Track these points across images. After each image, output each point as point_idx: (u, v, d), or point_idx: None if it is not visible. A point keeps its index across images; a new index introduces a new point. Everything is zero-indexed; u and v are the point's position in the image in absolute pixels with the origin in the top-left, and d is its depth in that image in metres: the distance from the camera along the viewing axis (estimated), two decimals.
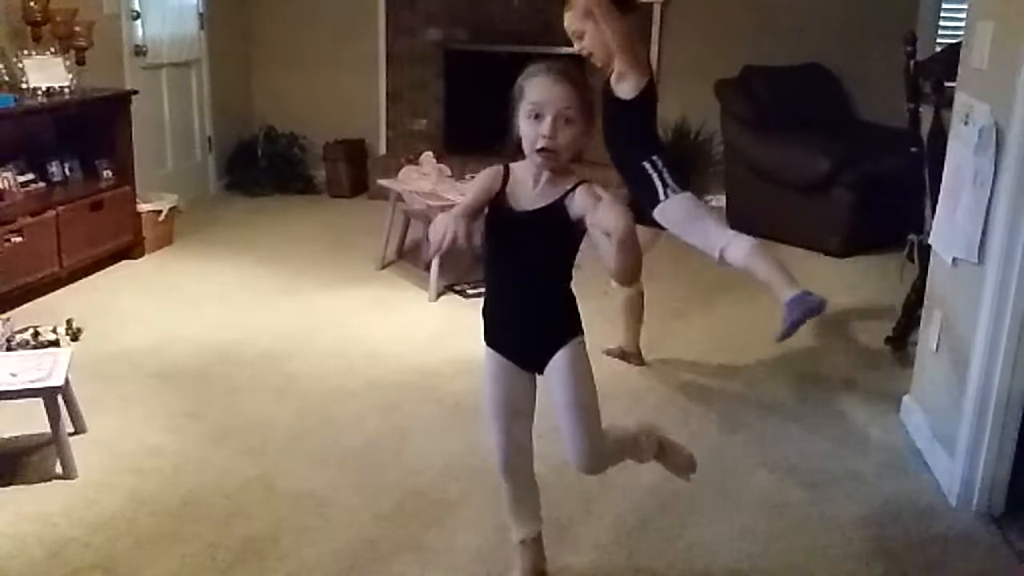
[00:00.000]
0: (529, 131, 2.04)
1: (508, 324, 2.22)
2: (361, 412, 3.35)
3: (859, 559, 2.57)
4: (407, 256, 5.18)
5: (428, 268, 4.66)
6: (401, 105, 6.83)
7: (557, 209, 2.07)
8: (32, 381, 2.83)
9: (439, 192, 4.70)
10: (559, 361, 2.17)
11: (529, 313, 2.19)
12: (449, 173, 5.01)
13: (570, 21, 3.38)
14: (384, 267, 5.04)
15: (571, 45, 3.49)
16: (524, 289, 2.18)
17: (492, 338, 2.25)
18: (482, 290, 4.83)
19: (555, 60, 2.12)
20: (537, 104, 2.02)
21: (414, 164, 5.16)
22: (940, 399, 3.06)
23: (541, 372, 2.22)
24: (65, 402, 2.97)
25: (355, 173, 6.71)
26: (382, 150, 6.87)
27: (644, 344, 3.86)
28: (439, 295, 4.58)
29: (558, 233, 2.10)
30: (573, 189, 2.07)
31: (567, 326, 2.20)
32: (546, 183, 2.09)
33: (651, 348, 3.90)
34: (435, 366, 3.76)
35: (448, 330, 4.16)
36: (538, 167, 2.08)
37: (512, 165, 2.14)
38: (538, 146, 2.03)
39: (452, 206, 4.52)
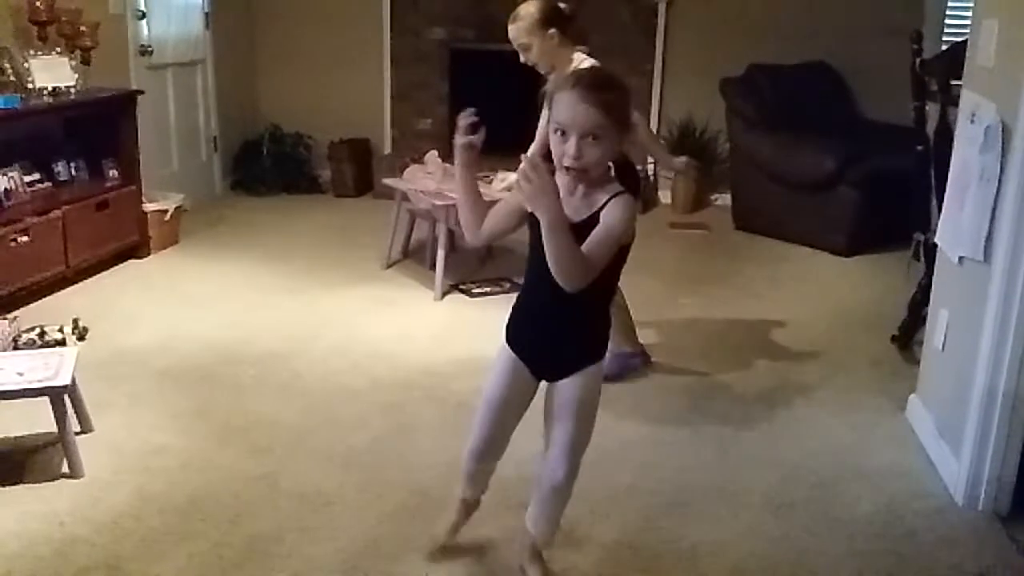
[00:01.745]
0: (555, 147, 2.00)
1: (533, 331, 2.19)
2: (366, 411, 3.35)
3: (864, 559, 2.56)
4: (412, 255, 5.18)
5: (433, 267, 4.66)
6: (406, 104, 6.83)
7: (590, 224, 2.01)
8: (39, 380, 2.84)
9: (444, 191, 4.70)
10: (572, 388, 2.15)
11: (556, 328, 2.14)
12: (454, 172, 5.00)
13: (516, 34, 3.47)
14: (389, 266, 5.05)
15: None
16: (556, 302, 2.06)
17: (513, 338, 2.23)
18: (487, 289, 4.84)
19: (589, 68, 2.05)
20: (561, 123, 1.97)
21: (419, 163, 5.16)
22: (946, 398, 3.05)
23: (550, 381, 2.20)
24: (71, 401, 2.97)
25: (360, 172, 6.72)
26: (387, 149, 6.88)
27: (647, 343, 3.86)
28: (444, 294, 4.59)
29: None
30: (610, 200, 2.01)
31: (591, 349, 2.16)
32: (582, 196, 2.05)
33: (654, 347, 3.90)
34: (440, 365, 3.77)
35: (453, 329, 4.16)
36: (569, 181, 2.04)
37: (556, 174, 2.09)
38: (564, 164, 1.99)
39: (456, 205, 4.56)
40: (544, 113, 3.70)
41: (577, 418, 2.18)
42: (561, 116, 1.98)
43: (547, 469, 2.24)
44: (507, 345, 2.24)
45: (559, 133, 1.99)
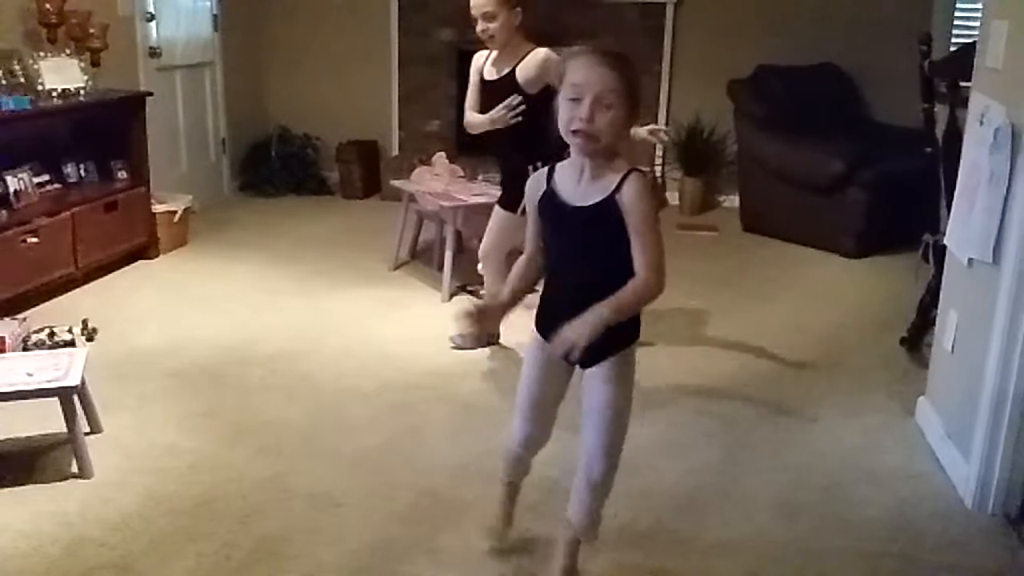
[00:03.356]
0: (566, 113, 1.98)
1: (562, 317, 2.10)
2: (374, 412, 3.36)
3: (874, 561, 2.56)
4: (420, 256, 5.18)
5: (441, 269, 4.67)
6: (413, 106, 6.84)
7: (608, 206, 1.99)
8: (48, 381, 2.85)
9: (451, 192, 4.71)
10: (605, 371, 2.13)
11: (579, 311, 2.05)
12: (461, 174, 5.02)
13: (486, 0, 3.49)
14: (397, 267, 5.05)
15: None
16: (581, 286, 2.07)
17: (542, 326, 2.20)
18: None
19: (600, 43, 2.08)
20: (576, 86, 1.96)
21: (426, 165, 5.17)
22: (955, 400, 3.04)
23: (583, 367, 2.18)
24: (81, 402, 2.98)
25: (368, 174, 6.73)
26: (395, 151, 6.89)
27: (654, 344, 3.86)
28: (452, 295, 4.59)
29: (614, 230, 2.01)
30: (622, 182, 2.00)
31: (621, 332, 2.11)
32: (591, 177, 2.03)
33: (661, 349, 3.89)
34: (448, 366, 3.77)
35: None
36: (576, 153, 2.02)
37: (558, 164, 2.11)
38: (573, 127, 1.97)
39: (464, 206, 4.55)
40: (473, 79, 3.75)
41: (612, 410, 2.16)
42: (577, 78, 1.97)
43: (584, 465, 2.22)
44: (538, 335, 2.22)
45: (572, 99, 1.97)
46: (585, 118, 1.95)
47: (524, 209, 3.55)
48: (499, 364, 3.80)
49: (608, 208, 2.00)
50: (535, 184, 2.15)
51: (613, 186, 2.00)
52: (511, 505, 2.53)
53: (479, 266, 3.92)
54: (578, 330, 1.95)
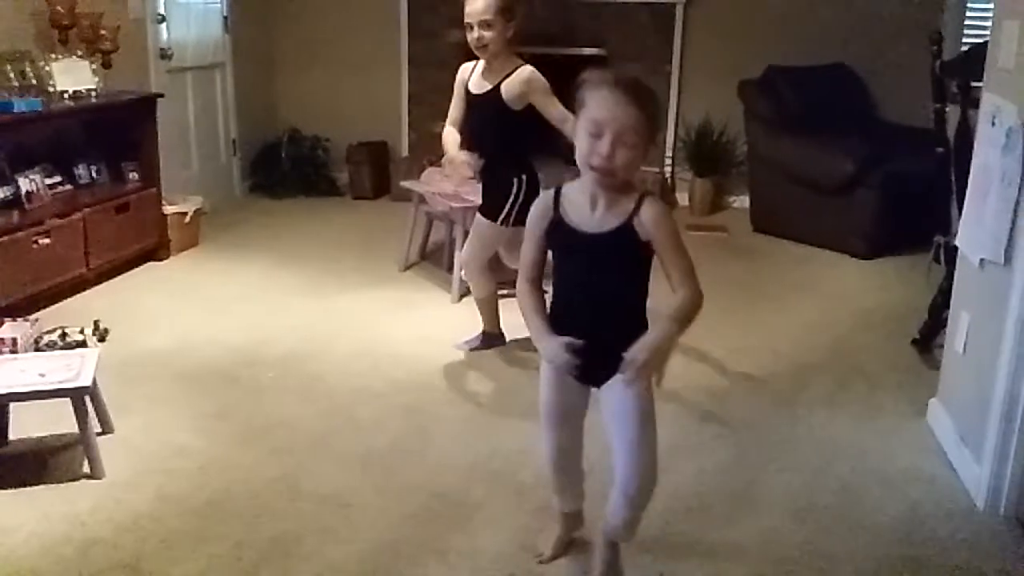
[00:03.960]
0: (585, 146, 1.97)
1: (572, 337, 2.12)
2: (384, 413, 3.36)
3: (885, 563, 2.55)
4: (430, 257, 5.19)
5: (450, 269, 4.67)
6: (423, 107, 6.83)
7: (626, 231, 2.01)
8: (60, 381, 2.86)
9: (461, 194, 4.71)
10: (621, 392, 2.10)
11: (595, 332, 2.08)
12: (471, 175, 5.02)
13: (484, 7, 3.49)
14: (407, 268, 5.06)
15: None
16: (592, 307, 2.09)
17: None
18: (503, 292, 4.82)
19: (623, 71, 2.06)
20: (598, 123, 1.94)
21: (436, 166, 5.17)
22: (967, 402, 3.03)
23: (598, 386, 2.18)
24: (92, 402, 3.00)
25: (378, 175, 6.74)
26: (405, 152, 6.89)
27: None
28: (462, 296, 4.59)
29: (628, 255, 2.03)
30: (638, 207, 2.01)
31: (632, 338, 2.07)
32: (607, 205, 2.03)
33: (674, 351, 3.88)
34: (458, 368, 3.77)
35: (471, 331, 4.15)
36: (591, 183, 2.02)
37: (564, 187, 2.10)
38: (592, 163, 1.97)
39: (473, 207, 4.56)
40: (458, 91, 3.74)
41: (637, 416, 2.15)
42: (598, 113, 1.95)
43: (619, 482, 2.20)
44: None
45: (592, 134, 1.95)
46: (605, 155, 1.95)
47: (504, 220, 3.60)
48: (506, 365, 3.80)
49: (627, 233, 2.01)
50: (541, 210, 2.13)
51: (630, 211, 2.01)
52: (567, 537, 2.50)
53: (462, 272, 3.93)
54: (652, 348, 1.97)
